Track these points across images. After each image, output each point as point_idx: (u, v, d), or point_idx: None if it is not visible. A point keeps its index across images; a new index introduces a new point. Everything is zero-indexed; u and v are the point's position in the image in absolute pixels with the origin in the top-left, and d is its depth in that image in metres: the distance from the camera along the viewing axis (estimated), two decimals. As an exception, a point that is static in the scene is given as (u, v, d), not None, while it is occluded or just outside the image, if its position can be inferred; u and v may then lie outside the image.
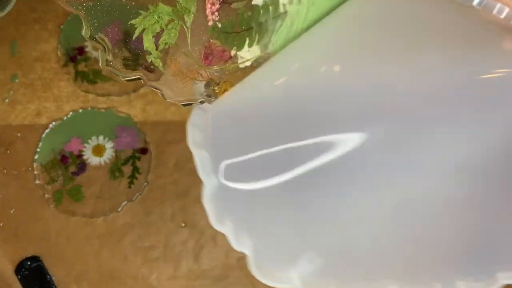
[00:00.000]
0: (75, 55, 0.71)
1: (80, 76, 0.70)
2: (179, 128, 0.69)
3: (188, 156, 0.68)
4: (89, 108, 0.70)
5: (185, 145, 0.69)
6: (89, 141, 0.68)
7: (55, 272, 0.66)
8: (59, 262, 0.66)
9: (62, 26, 0.71)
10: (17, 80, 0.70)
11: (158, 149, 0.69)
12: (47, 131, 0.68)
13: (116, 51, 0.47)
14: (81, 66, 0.71)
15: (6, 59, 0.71)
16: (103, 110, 0.70)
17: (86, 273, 0.66)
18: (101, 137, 0.68)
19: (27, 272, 0.65)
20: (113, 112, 0.70)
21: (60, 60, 0.71)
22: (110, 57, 0.47)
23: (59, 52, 0.71)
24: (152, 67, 0.48)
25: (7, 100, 0.70)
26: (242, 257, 0.66)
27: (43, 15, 0.72)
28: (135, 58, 0.47)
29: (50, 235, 0.66)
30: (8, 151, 0.68)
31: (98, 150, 0.68)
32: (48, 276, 0.65)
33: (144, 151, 0.68)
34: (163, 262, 0.66)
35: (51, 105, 0.70)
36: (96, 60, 0.70)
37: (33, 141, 0.69)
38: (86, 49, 0.71)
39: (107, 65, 0.47)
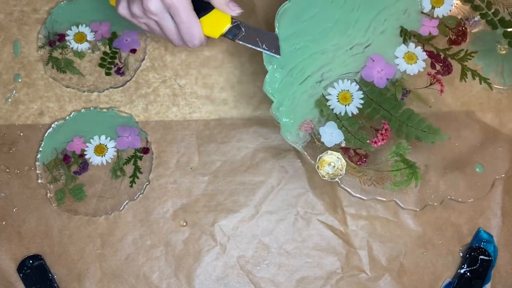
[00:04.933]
0: (55, 40, 0.71)
1: (52, 62, 0.71)
2: (180, 128, 0.70)
3: (189, 156, 0.69)
4: (91, 108, 0.70)
5: (186, 145, 0.70)
6: (91, 140, 0.69)
7: (57, 270, 0.66)
8: (61, 261, 0.66)
9: (52, 10, 0.72)
10: (20, 80, 0.71)
11: (160, 149, 0.69)
12: (49, 130, 0.69)
13: None
14: (56, 53, 0.71)
15: (9, 59, 0.71)
16: (105, 110, 0.70)
17: (88, 271, 0.66)
18: (103, 137, 0.69)
19: (29, 271, 0.65)
20: (115, 112, 0.70)
21: (38, 41, 0.71)
22: None
23: (40, 34, 0.72)
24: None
25: (10, 100, 0.70)
26: (241, 256, 0.66)
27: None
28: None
29: (52, 234, 0.67)
30: (11, 151, 0.69)
31: (100, 150, 0.68)
32: (50, 275, 0.66)
33: (145, 150, 0.69)
34: (165, 261, 0.67)
35: (53, 105, 0.70)
36: (72, 51, 0.71)
37: (35, 141, 0.69)
38: (67, 38, 0.71)
39: None
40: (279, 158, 0.69)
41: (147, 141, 0.69)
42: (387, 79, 0.63)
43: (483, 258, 0.65)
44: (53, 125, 0.69)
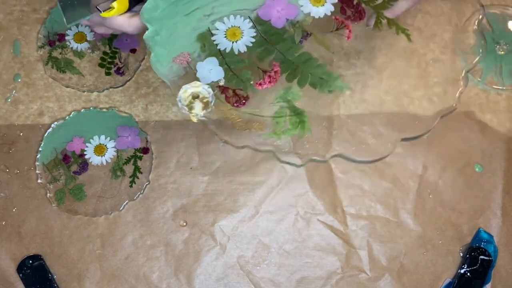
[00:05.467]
0: (55, 40, 0.71)
1: (51, 62, 0.71)
2: (180, 128, 0.70)
3: (189, 156, 0.69)
4: (91, 108, 0.70)
5: (186, 145, 0.70)
6: (91, 140, 0.69)
7: (57, 270, 0.66)
8: (61, 261, 0.66)
9: (52, 10, 0.72)
10: (19, 80, 0.71)
11: (159, 149, 0.69)
12: (49, 130, 0.69)
13: None
14: (56, 53, 0.71)
15: (9, 59, 0.71)
16: (105, 110, 0.70)
17: (88, 271, 0.66)
18: (102, 137, 0.69)
19: (29, 271, 0.65)
20: (115, 112, 0.70)
21: (38, 41, 0.71)
22: None
23: (40, 34, 0.72)
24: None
25: (9, 100, 0.70)
26: (241, 256, 0.66)
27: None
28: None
29: (52, 234, 0.67)
30: (11, 151, 0.69)
31: (100, 150, 0.68)
32: (50, 275, 0.65)
33: (145, 150, 0.69)
34: (165, 261, 0.67)
35: (53, 105, 0.70)
36: (72, 50, 0.71)
37: (35, 141, 0.69)
38: (67, 37, 0.71)
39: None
40: (279, 158, 0.69)
41: (147, 141, 0.69)
42: (287, 19, 0.57)
43: (483, 258, 0.65)
44: (53, 125, 0.69)
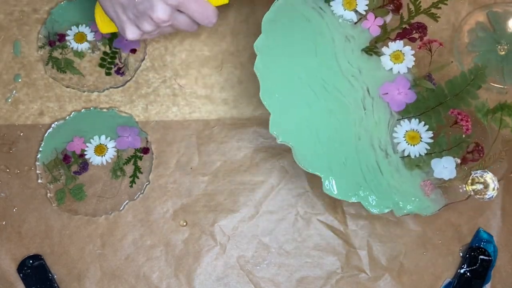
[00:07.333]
0: (55, 40, 0.71)
1: (52, 62, 0.71)
2: (180, 128, 0.70)
3: (189, 156, 0.69)
4: (91, 108, 0.70)
5: (186, 144, 0.70)
6: (91, 140, 0.69)
7: (57, 270, 0.66)
8: (61, 261, 0.66)
9: (52, 10, 0.72)
10: (20, 80, 0.71)
11: (160, 149, 0.69)
12: (49, 130, 0.69)
13: None
14: (56, 53, 0.71)
15: (9, 59, 0.71)
16: (105, 110, 0.70)
17: (88, 271, 0.66)
18: (103, 137, 0.69)
19: (29, 271, 0.65)
20: (115, 112, 0.70)
21: (38, 41, 0.71)
22: None
23: (40, 34, 0.72)
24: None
25: (10, 100, 0.70)
26: (241, 256, 0.66)
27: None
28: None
29: (52, 234, 0.67)
30: (11, 151, 0.69)
31: (100, 150, 0.68)
32: (50, 275, 0.66)
33: (145, 150, 0.69)
34: (165, 261, 0.67)
35: (53, 105, 0.70)
36: (72, 51, 0.71)
37: (35, 141, 0.69)
38: (67, 38, 0.71)
39: None
40: (279, 158, 0.69)
41: (147, 141, 0.69)
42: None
43: (483, 258, 0.65)
44: (53, 125, 0.69)
